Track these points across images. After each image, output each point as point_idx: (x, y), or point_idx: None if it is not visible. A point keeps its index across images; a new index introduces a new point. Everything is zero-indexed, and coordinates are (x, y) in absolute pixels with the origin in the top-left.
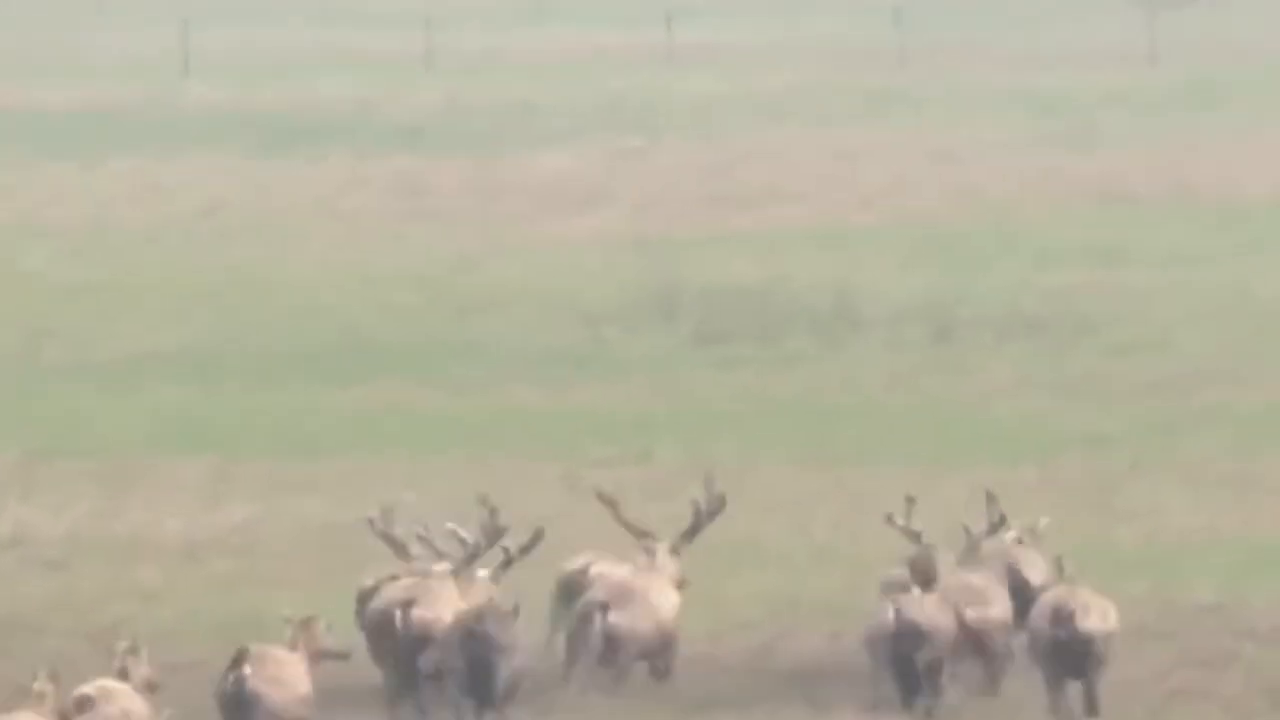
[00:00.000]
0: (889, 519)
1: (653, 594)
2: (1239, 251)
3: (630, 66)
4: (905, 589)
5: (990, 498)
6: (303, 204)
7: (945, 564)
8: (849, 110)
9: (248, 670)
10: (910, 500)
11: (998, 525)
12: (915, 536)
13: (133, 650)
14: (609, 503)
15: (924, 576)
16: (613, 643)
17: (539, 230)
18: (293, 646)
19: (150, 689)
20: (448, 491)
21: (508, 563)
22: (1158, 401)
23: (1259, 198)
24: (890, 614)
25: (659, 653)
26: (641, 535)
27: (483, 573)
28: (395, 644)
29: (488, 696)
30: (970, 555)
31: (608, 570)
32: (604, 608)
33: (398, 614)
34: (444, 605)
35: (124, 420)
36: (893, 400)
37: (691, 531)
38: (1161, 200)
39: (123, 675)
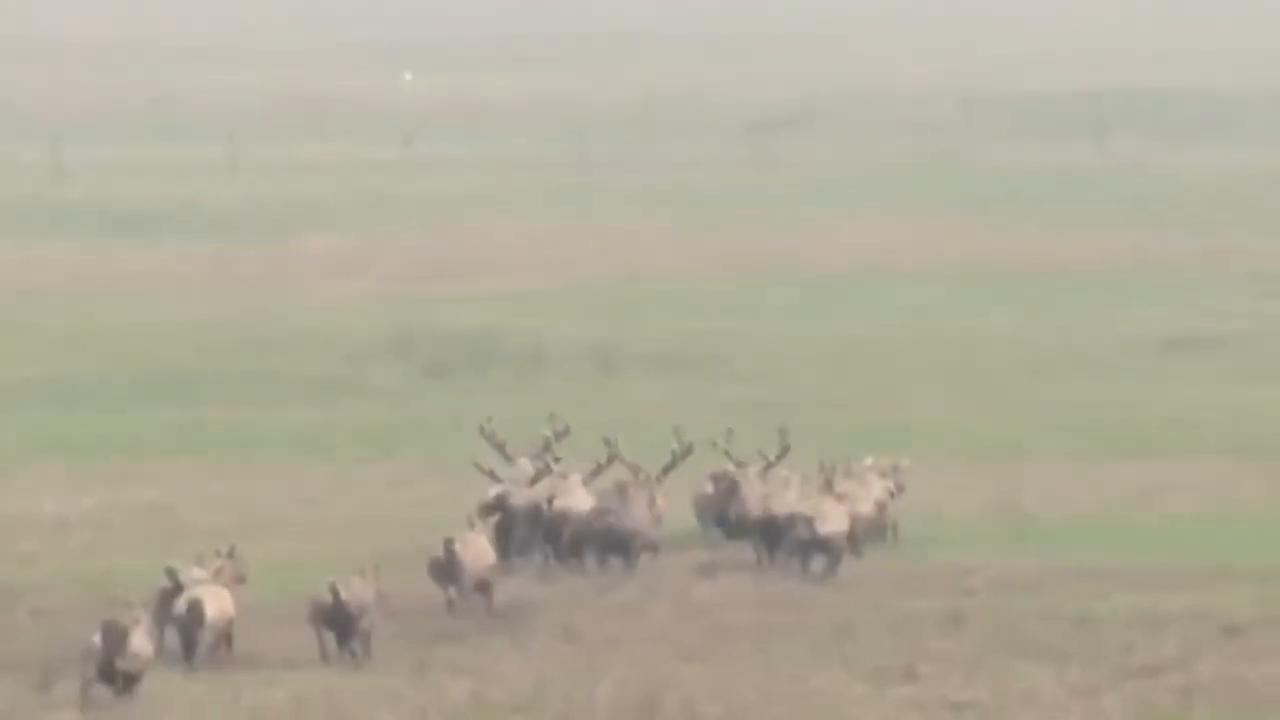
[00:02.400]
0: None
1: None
2: (831, 308)
3: (381, 171)
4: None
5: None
6: (143, 273)
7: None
8: (541, 203)
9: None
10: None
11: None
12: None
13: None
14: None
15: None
16: None
17: (314, 291)
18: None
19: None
20: (251, 481)
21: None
22: (771, 418)
23: (847, 268)
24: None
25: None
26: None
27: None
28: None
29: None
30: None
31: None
32: None
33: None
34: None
35: (4, 432)
36: (572, 419)
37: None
38: (773, 269)
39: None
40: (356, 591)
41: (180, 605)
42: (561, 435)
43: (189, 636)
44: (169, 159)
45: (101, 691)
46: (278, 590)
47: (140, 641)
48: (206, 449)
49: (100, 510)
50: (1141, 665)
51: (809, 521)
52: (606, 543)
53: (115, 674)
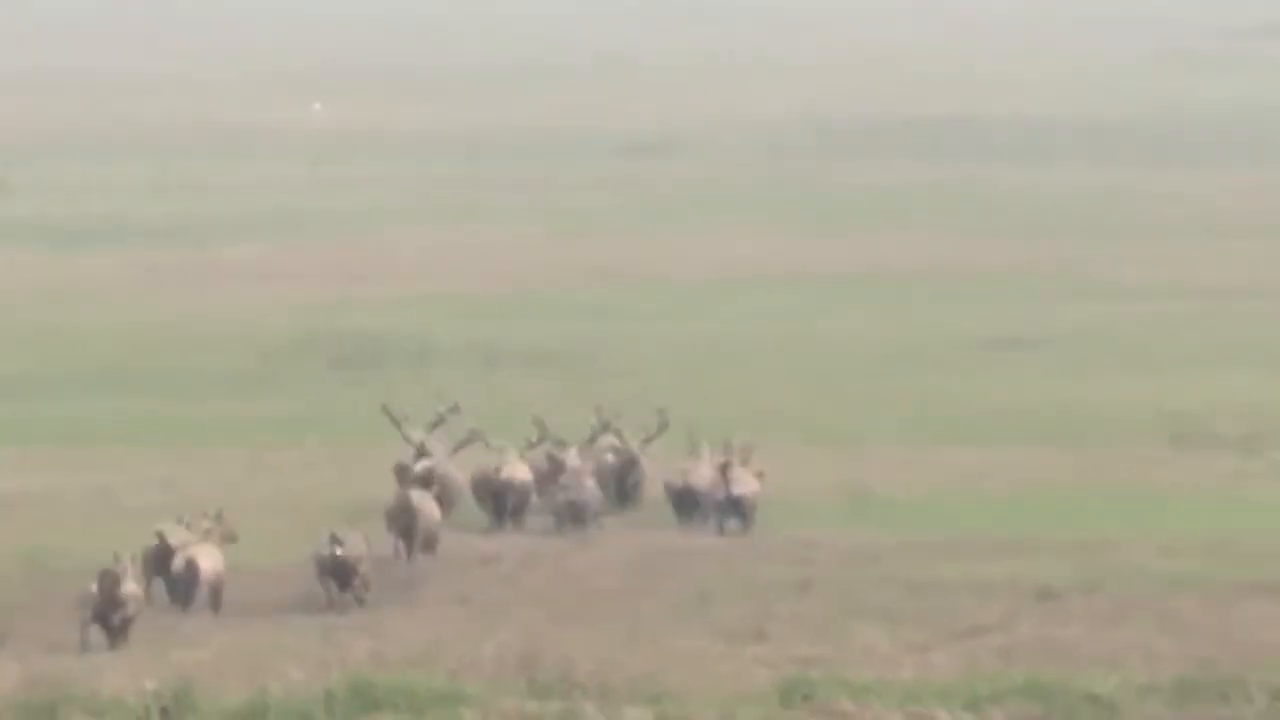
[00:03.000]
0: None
1: None
2: (691, 312)
3: (292, 190)
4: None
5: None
6: (80, 279)
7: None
8: (432, 217)
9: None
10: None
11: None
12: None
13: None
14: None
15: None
16: None
17: (232, 295)
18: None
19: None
20: (178, 465)
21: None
22: (637, 409)
23: (707, 277)
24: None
25: None
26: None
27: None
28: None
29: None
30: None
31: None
32: None
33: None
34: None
35: None
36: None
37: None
38: (640, 278)
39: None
40: (353, 544)
41: (179, 562)
42: (451, 412)
43: (186, 589)
44: (103, 178)
45: (97, 636)
46: None
47: (131, 588)
48: (139, 436)
49: (43, 490)
50: (967, 626)
51: (728, 486)
52: (565, 511)
53: (111, 618)
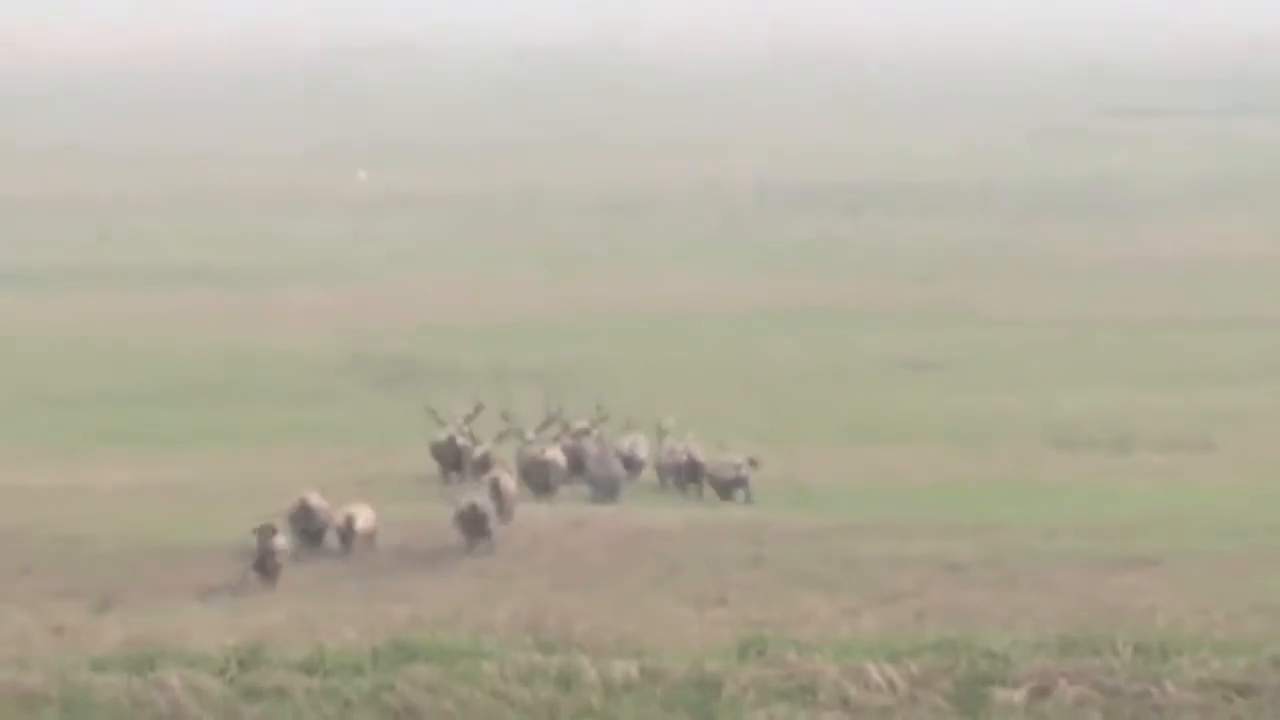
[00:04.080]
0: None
1: None
2: (657, 338)
3: (340, 242)
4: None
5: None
6: (172, 316)
7: None
8: (450, 263)
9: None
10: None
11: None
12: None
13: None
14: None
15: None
16: None
17: (292, 327)
18: None
19: None
20: (248, 463)
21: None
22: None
23: (670, 311)
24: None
25: None
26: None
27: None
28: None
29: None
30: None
31: None
32: None
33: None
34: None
35: (76, 426)
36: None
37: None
38: (616, 311)
39: None
40: (481, 502)
41: (341, 518)
42: (478, 410)
43: (346, 540)
44: (186, 232)
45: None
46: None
47: (281, 541)
48: (215, 440)
49: (138, 484)
50: (889, 593)
51: (736, 466)
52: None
53: (266, 565)
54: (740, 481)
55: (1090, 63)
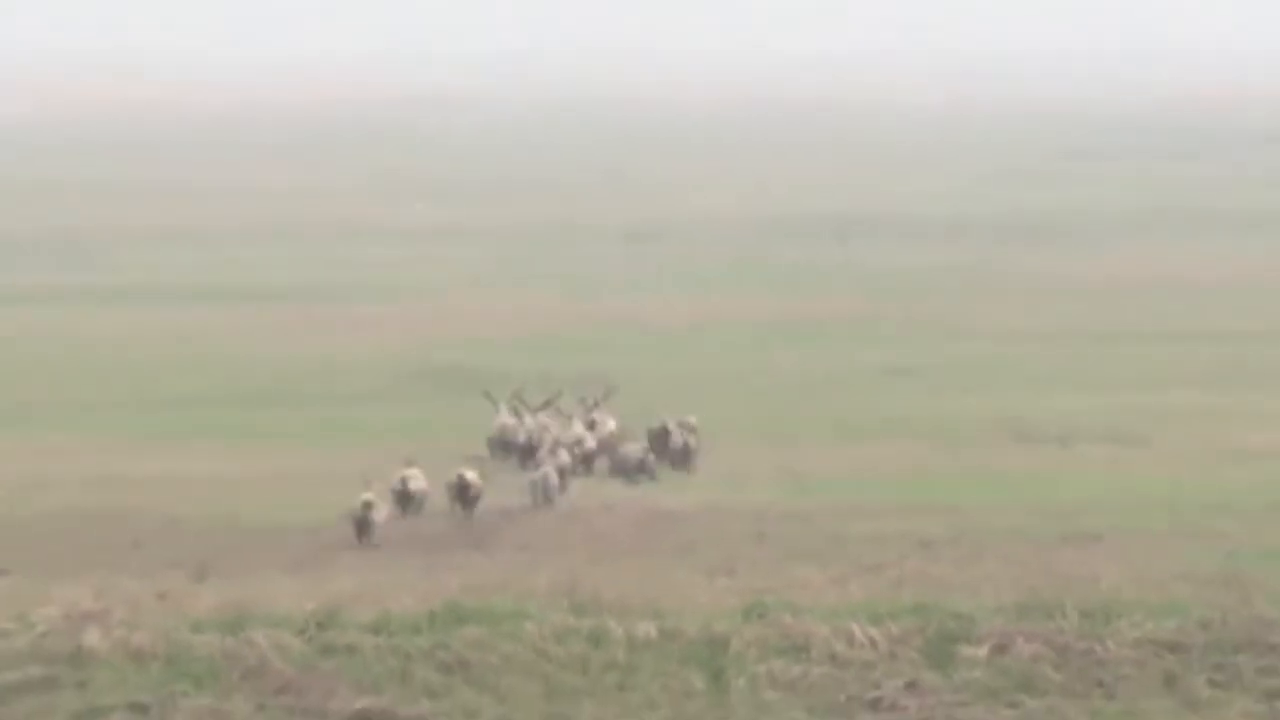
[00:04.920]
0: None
1: None
2: (670, 350)
3: (401, 266)
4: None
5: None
6: (259, 329)
7: None
8: (489, 287)
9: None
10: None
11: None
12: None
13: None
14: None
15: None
16: None
17: (361, 339)
18: None
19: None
20: (326, 455)
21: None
22: (627, 419)
23: (684, 325)
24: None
25: None
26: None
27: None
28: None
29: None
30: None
31: None
32: None
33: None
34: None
35: (178, 422)
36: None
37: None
38: (634, 327)
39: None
40: (474, 479)
41: (453, 477)
42: (516, 397)
43: (464, 500)
44: (270, 258)
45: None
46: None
47: (383, 511)
48: (295, 435)
49: (232, 473)
50: (871, 564)
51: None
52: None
53: (366, 529)
54: (643, 465)
55: (1047, 111)
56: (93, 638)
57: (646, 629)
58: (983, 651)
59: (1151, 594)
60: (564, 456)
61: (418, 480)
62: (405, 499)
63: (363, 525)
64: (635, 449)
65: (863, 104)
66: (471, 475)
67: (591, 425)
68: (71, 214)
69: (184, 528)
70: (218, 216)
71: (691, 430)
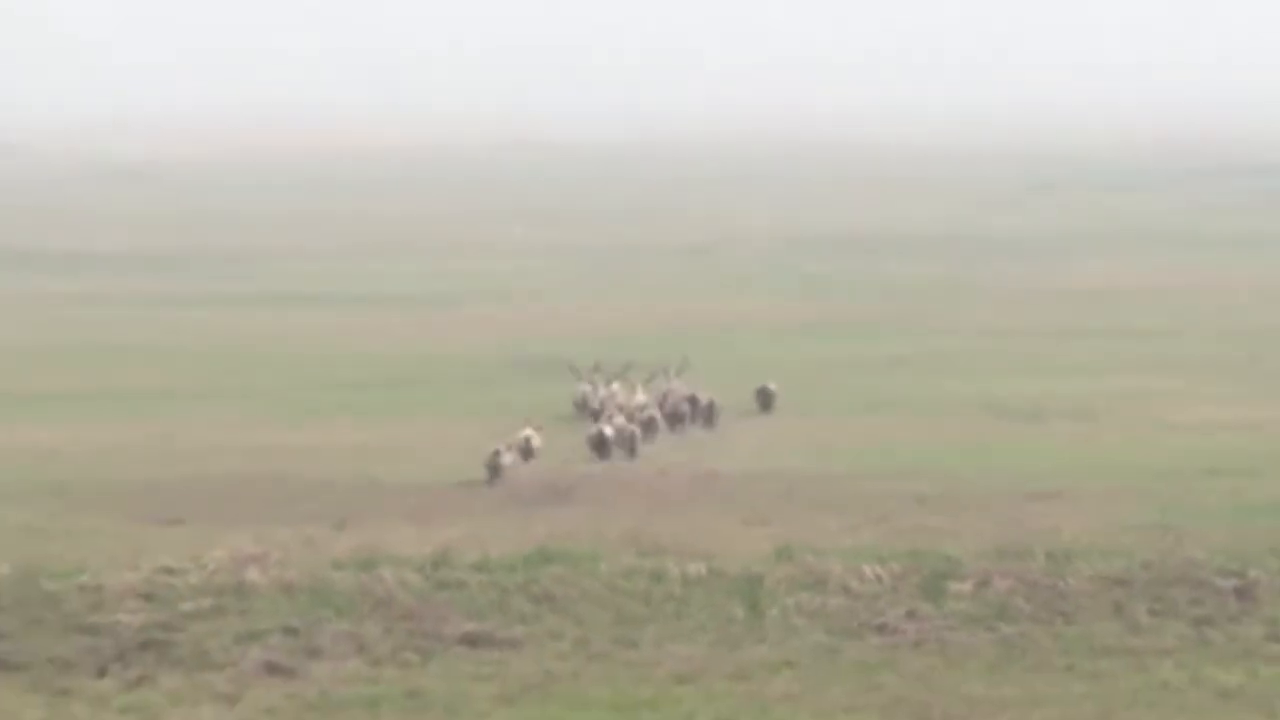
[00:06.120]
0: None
1: None
2: (725, 342)
3: (501, 276)
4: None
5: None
6: (378, 330)
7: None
8: (579, 291)
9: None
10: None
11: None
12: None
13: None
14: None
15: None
16: None
17: (469, 335)
18: None
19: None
20: (442, 426)
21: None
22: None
23: (720, 326)
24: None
25: None
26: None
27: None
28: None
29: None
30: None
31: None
32: None
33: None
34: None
35: (320, 401)
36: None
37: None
38: (694, 324)
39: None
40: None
41: (596, 430)
42: (594, 370)
43: (617, 446)
44: (386, 272)
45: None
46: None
47: (509, 458)
48: (416, 413)
49: (364, 441)
50: (878, 516)
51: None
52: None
53: (496, 473)
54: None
55: (1015, 151)
56: (253, 575)
57: (697, 568)
58: (967, 586)
59: (1102, 541)
60: (620, 419)
61: (536, 439)
62: (527, 451)
63: (494, 470)
64: (683, 405)
65: (860, 140)
66: (608, 430)
67: (664, 394)
68: (233, 237)
69: (327, 487)
70: (352, 237)
71: (772, 394)
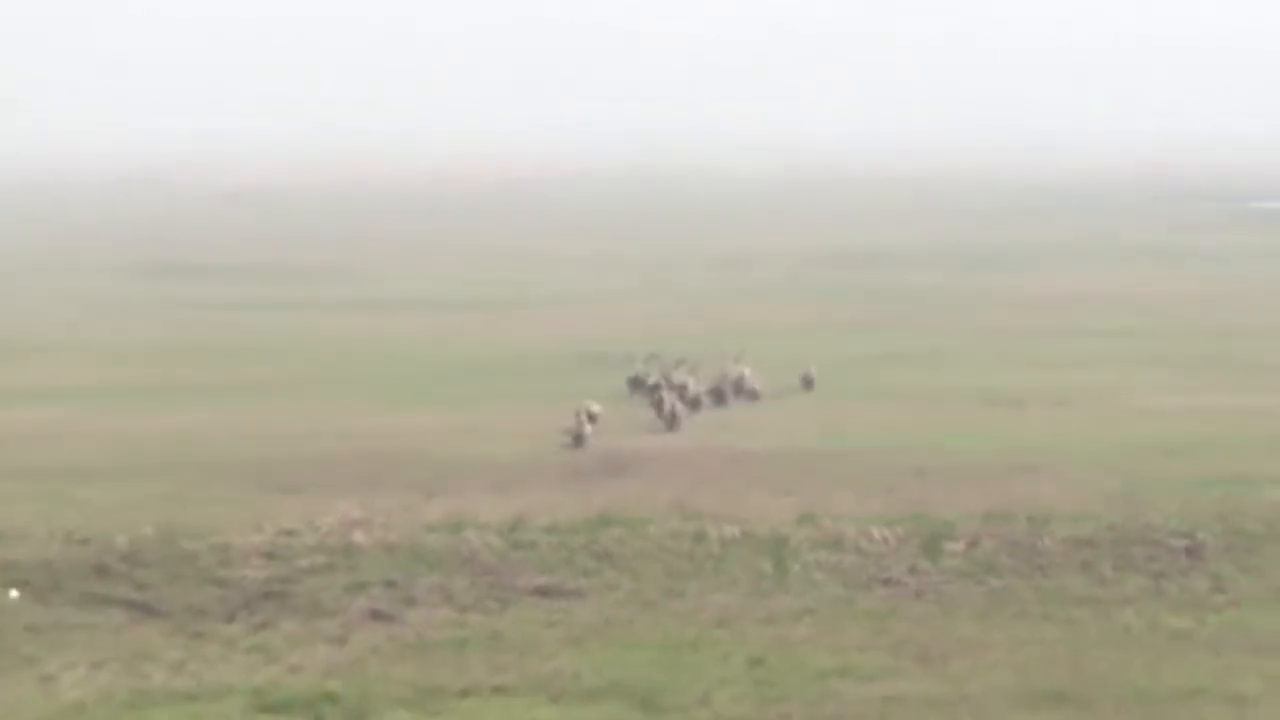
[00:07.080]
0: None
1: None
2: (754, 341)
3: (565, 286)
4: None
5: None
6: (452, 332)
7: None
8: (632, 298)
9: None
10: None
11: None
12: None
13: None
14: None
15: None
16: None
17: (535, 335)
18: None
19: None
20: (516, 410)
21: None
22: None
23: (758, 326)
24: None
25: None
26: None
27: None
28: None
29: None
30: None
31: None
32: None
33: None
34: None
35: (400, 392)
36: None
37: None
38: (726, 327)
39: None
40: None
41: (664, 398)
42: (650, 359)
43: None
44: (479, 277)
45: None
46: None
47: (588, 427)
48: (493, 400)
49: (451, 425)
50: (885, 487)
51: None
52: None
53: (580, 438)
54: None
55: (997, 180)
56: (359, 536)
57: (732, 530)
58: (960, 546)
59: (1075, 507)
60: (667, 395)
61: (596, 407)
62: (593, 418)
63: (579, 438)
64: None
65: (865, 174)
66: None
67: (722, 375)
68: (334, 253)
69: (419, 462)
70: (433, 255)
71: (813, 378)
